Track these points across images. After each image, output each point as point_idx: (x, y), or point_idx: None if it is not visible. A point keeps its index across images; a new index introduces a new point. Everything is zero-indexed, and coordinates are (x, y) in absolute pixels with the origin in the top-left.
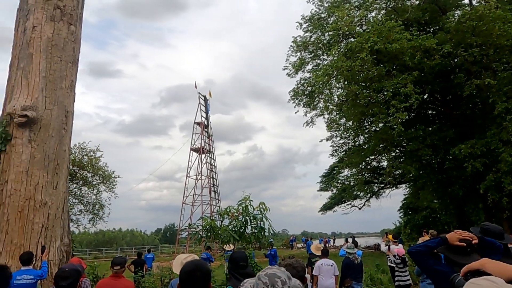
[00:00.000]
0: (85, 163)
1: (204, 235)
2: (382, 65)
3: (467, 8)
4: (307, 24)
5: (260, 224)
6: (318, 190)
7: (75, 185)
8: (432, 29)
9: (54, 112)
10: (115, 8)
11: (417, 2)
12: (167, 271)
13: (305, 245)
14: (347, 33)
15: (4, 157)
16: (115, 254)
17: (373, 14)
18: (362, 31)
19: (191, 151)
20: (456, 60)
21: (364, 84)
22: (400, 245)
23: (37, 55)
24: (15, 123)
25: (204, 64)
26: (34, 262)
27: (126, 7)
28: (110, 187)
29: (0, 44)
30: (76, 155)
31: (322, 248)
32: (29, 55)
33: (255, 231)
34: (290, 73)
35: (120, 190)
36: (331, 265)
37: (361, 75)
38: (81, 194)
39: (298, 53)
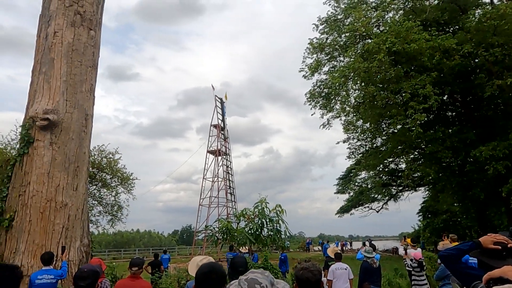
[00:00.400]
0: (104, 165)
1: (221, 237)
2: (400, 66)
3: (488, 7)
4: (323, 25)
5: (276, 226)
6: (335, 193)
7: (94, 186)
8: (451, 29)
9: (75, 115)
10: (133, 13)
11: (436, 1)
12: (184, 273)
13: (322, 248)
14: (364, 34)
15: (27, 159)
16: (133, 255)
17: (390, 14)
18: (379, 32)
19: (208, 153)
20: (476, 60)
21: (381, 85)
22: (419, 249)
23: (58, 60)
24: (37, 126)
25: (221, 66)
26: (54, 262)
27: (144, 12)
28: (128, 189)
29: (24, 49)
30: (96, 157)
31: (337, 251)
32: (50, 60)
33: (271, 233)
34: (306, 75)
35: (138, 191)
36: (345, 269)
37: (379, 76)
38: (100, 195)
39: (315, 55)
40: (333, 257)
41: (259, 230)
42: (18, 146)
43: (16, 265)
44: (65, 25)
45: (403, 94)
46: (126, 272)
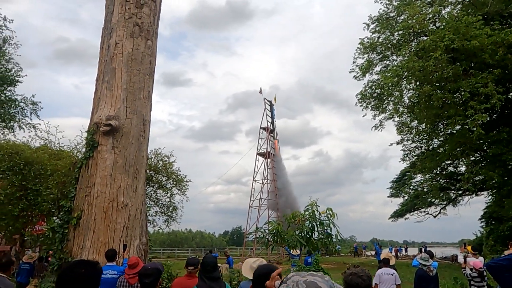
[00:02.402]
0: (160, 168)
1: (271, 239)
2: (458, 64)
3: None
4: (374, 24)
5: (327, 230)
6: (388, 196)
7: (151, 188)
8: None
9: (134, 121)
10: (186, 21)
11: None
12: (235, 273)
13: (375, 253)
14: (419, 31)
15: (92, 162)
16: (186, 254)
17: (447, 9)
18: (435, 28)
19: (257, 156)
20: None
21: (438, 84)
22: (480, 258)
23: (119, 69)
24: (101, 131)
25: (270, 70)
26: (117, 259)
27: (195, 19)
28: (182, 190)
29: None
30: (152, 160)
31: (390, 257)
32: (112, 69)
33: (322, 237)
34: (357, 75)
35: (190, 193)
36: (392, 274)
37: (435, 75)
38: (156, 196)
39: (366, 55)
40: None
41: (310, 233)
42: (84, 150)
43: (96, 261)
44: (125, 36)
45: (462, 93)
46: (180, 271)
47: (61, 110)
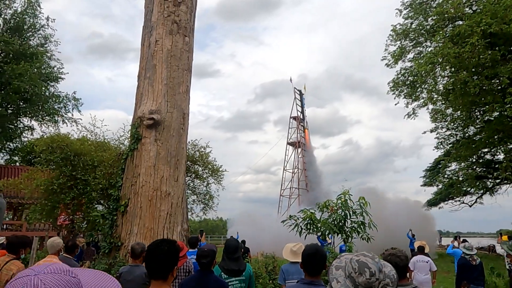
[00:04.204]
0: (197, 158)
1: (304, 227)
2: (496, 49)
3: None
4: (407, 10)
5: (360, 218)
6: (421, 185)
7: (188, 177)
8: None
9: (174, 115)
10: (214, 13)
11: None
12: (270, 259)
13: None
14: (454, 16)
15: (136, 154)
16: (218, 241)
17: None
18: (472, 12)
19: (288, 145)
20: None
21: (474, 70)
22: None
23: (159, 66)
24: (144, 125)
25: (298, 59)
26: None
27: (223, 11)
28: (218, 180)
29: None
30: (189, 151)
31: (426, 244)
32: (153, 66)
33: (355, 225)
34: (389, 63)
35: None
36: (427, 262)
37: (471, 61)
38: (194, 186)
39: (398, 42)
40: (416, 250)
41: (343, 222)
42: (128, 142)
43: (175, 241)
44: (164, 34)
45: (501, 79)
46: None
47: (96, 103)
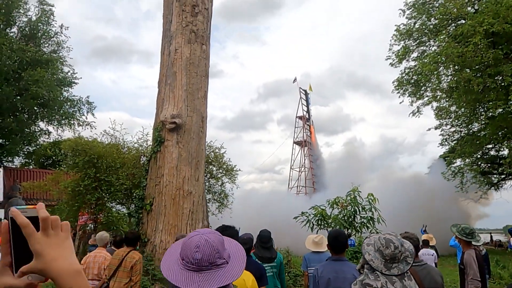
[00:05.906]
0: (212, 159)
1: (315, 223)
2: (499, 48)
3: None
4: (410, 10)
5: (369, 214)
6: None
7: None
8: None
9: (194, 119)
10: (216, 14)
11: None
12: (285, 253)
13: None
14: (457, 15)
15: (160, 156)
16: None
17: None
18: (474, 12)
19: (294, 144)
20: None
21: (477, 68)
22: None
23: (179, 73)
24: (167, 128)
25: (300, 57)
26: None
27: (226, 12)
28: (232, 179)
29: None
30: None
31: (432, 237)
32: (173, 73)
33: (364, 221)
34: (393, 62)
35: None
36: (432, 255)
37: (474, 60)
38: (209, 185)
39: (402, 42)
40: (422, 243)
41: (352, 217)
42: (151, 145)
43: (233, 226)
44: (183, 42)
45: (504, 78)
46: None
47: (101, 105)
